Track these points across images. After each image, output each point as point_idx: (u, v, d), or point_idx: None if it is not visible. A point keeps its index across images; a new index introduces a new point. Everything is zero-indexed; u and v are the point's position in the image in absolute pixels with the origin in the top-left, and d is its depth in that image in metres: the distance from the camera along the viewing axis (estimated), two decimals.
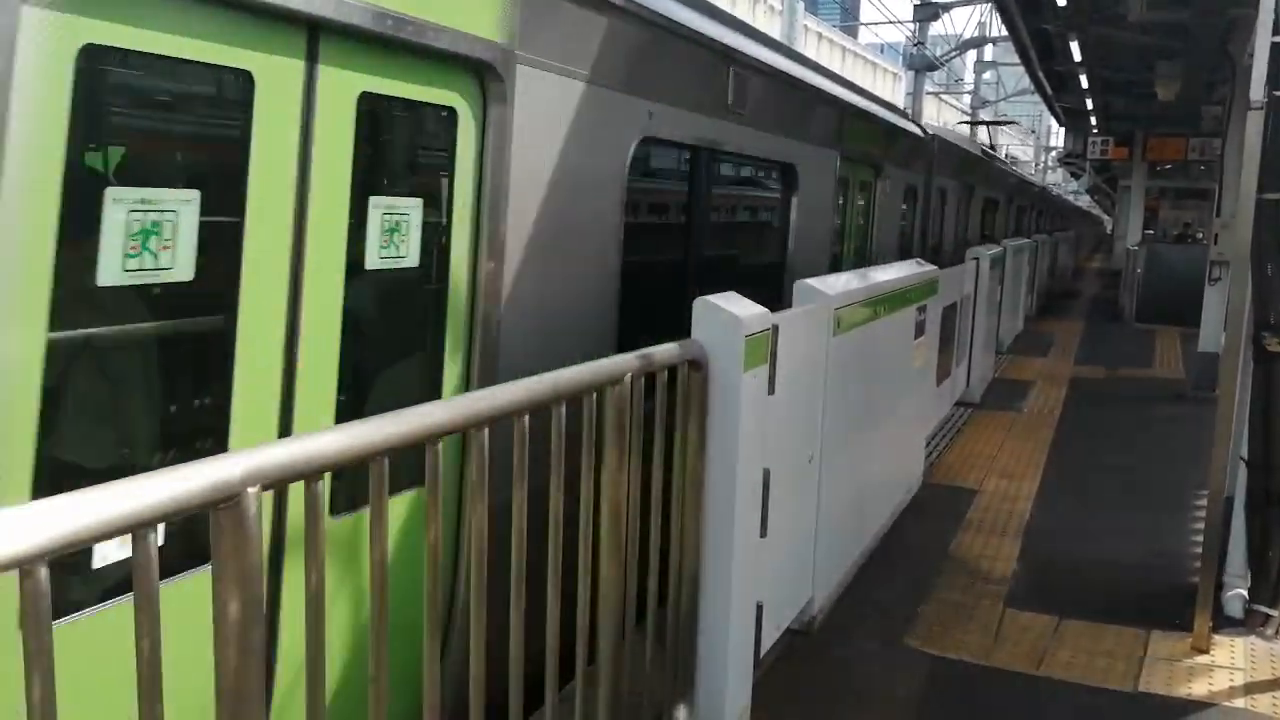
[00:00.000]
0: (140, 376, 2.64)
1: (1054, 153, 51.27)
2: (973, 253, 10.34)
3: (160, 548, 1.63)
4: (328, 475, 1.93)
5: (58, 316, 2.29)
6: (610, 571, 3.01)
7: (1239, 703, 4.24)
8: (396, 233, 3.24)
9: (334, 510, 3.00)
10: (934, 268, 7.01)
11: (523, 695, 2.61)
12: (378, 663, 2.10)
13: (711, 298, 3.49)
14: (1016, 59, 17.74)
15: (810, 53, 37.83)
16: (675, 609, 3.46)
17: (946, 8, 27.38)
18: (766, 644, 4.14)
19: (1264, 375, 4.81)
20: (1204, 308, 10.99)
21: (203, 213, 2.59)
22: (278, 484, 1.80)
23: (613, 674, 3.09)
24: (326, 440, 1.92)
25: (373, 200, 3.14)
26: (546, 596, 2.72)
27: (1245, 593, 5.03)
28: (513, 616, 2.56)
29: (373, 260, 3.17)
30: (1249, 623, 4.97)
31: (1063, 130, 26.18)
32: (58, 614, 2.23)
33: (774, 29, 24.93)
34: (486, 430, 2.37)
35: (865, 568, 5.57)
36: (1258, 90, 4.47)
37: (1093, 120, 21.27)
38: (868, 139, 8.83)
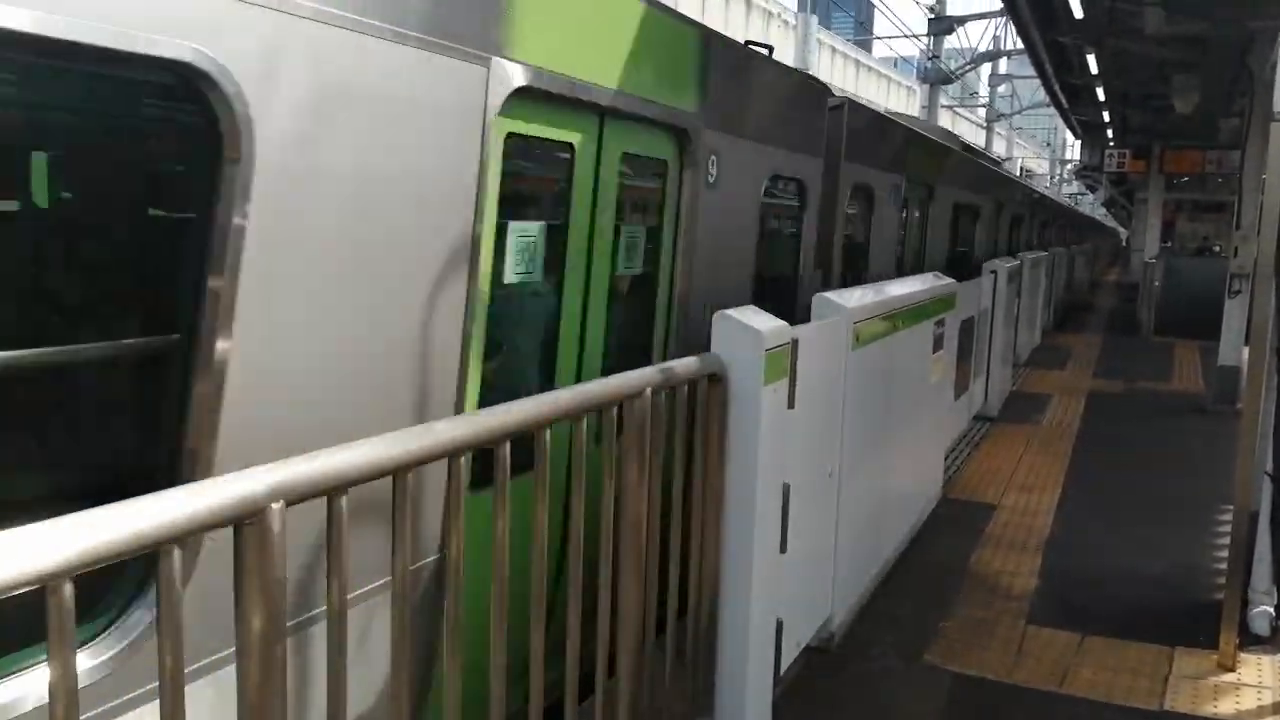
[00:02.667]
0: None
1: (1070, 165, 51.15)
2: (990, 266, 10.28)
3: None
4: (349, 490, 1.92)
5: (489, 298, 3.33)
6: (630, 585, 2.99)
7: None
8: (633, 248, 4.44)
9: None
10: (952, 281, 6.98)
11: (542, 709, 2.60)
12: (397, 665, 2.10)
13: (731, 312, 3.46)
14: (1032, 72, 17.72)
15: (824, 67, 37.85)
16: (695, 624, 3.44)
17: (961, 21, 27.42)
18: (786, 661, 4.10)
19: None
20: (1224, 321, 10.90)
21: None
22: (301, 499, 1.80)
23: (632, 688, 3.06)
24: (348, 456, 1.92)
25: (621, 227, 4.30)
26: (567, 609, 2.70)
27: (1272, 610, 4.95)
28: (533, 634, 2.54)
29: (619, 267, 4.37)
30: (1276, 640, 4.90)
31: (1078, 143, 26.07)
32: None
33: (788, 43, 24.93)
34: (508, 444, 2.36)
35: (885, 583, 5.52)
36: None
37: (1109, 133, 21.20)
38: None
